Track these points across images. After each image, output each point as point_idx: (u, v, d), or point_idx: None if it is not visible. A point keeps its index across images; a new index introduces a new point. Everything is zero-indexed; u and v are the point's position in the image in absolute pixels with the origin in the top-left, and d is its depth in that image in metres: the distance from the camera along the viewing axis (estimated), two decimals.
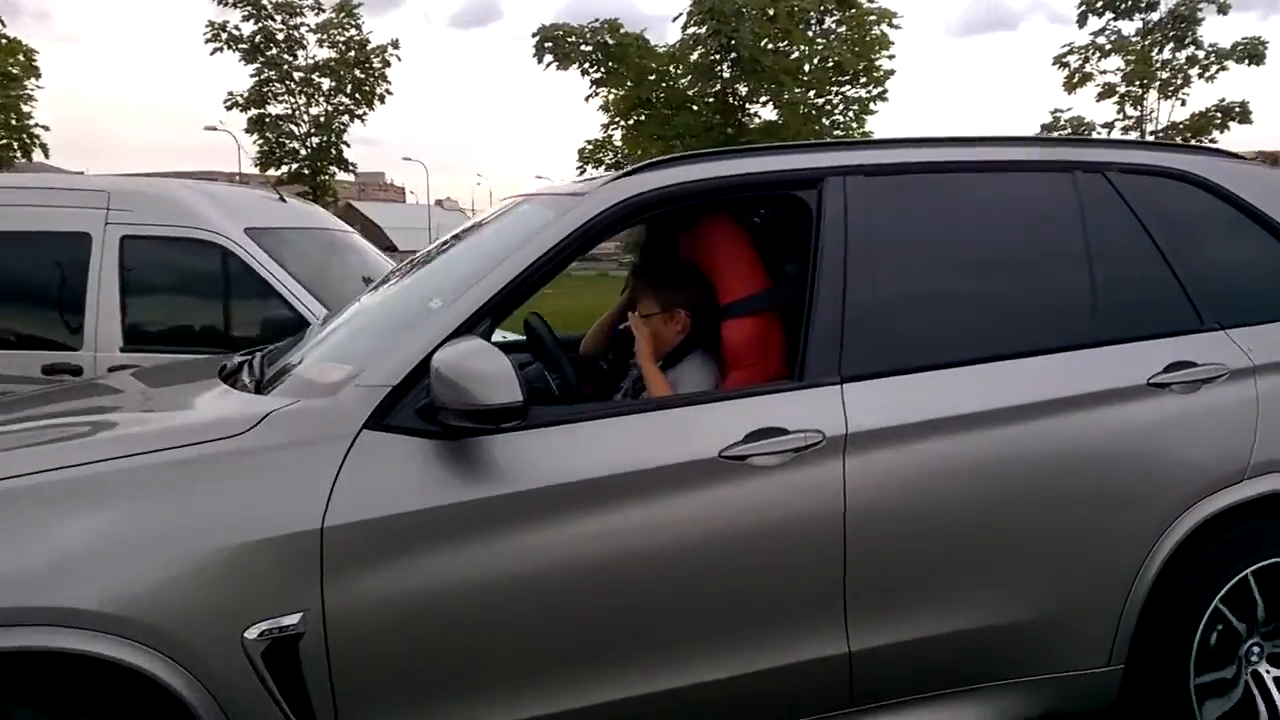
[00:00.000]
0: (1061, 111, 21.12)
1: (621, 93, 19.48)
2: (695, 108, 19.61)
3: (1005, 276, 2.66)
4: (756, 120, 19.82)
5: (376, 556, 2.06)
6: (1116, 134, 20.68)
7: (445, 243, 3.15)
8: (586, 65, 19.03)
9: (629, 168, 2.53)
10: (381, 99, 22.60)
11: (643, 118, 19.64)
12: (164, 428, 2.36)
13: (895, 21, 19.53)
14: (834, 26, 19.88)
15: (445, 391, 2.07)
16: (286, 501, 2.05)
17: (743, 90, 19.65)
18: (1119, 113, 21.10)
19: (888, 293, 2.52)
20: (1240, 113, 20.11)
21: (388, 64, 22.59)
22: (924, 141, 2.74)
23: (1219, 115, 20.20)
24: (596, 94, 19.73)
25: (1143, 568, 2.51)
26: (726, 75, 19.31)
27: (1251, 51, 19.98)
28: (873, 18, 19.57)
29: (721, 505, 2.27)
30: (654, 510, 2.23)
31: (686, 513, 2.25)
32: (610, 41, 18.82)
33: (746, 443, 2.29)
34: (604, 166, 20.16)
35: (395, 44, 22.55)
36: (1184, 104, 20.90)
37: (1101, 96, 20.96)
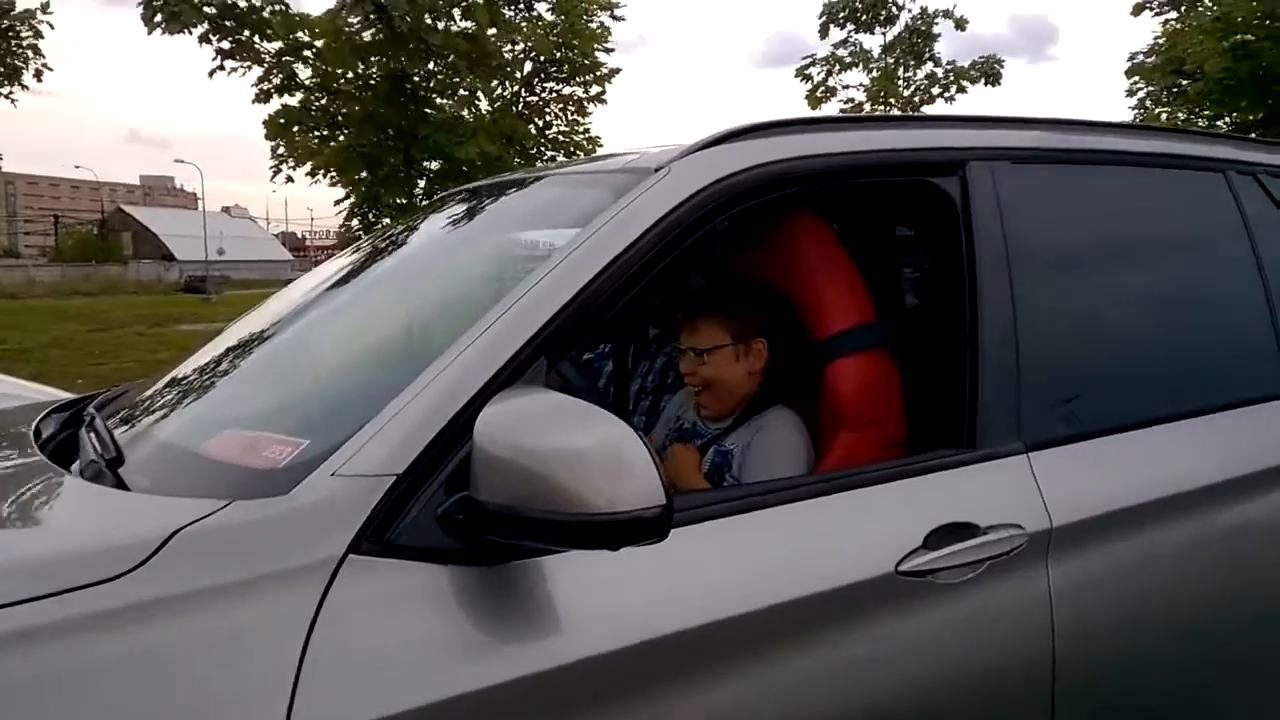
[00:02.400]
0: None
1: (258, 70, 16.13)
2: (355, 92, 16.62)
3: (1187, 304, 2.02)
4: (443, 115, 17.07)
5: None
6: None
7: (384, 242, 2.21)
8: (209, 30, 15.15)
9: (708, 137, 1.71)
10: (38, 75, 19.05)
11: (293, 101, 16.55)
12: None
13: (618, 14, 17.89)
14: (544, 13, 17.72)
15: (507, 486, 1.19)
16: (215, 711, 1.10)
17: (415, 75, 16.73)
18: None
19: (1063, 325, 1.82)
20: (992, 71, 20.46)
21: (39, 34, 18.96)
22: (1063, 124, 2.07)
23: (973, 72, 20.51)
24: (224, 69, 15.83)
25: None
26: (384, 55, 16.23)
27: (988, 70, 20.86)
28: (592, 6, 17.54)
29: (895, 642, 1.49)
30: (807, 659, 1.42)
31: (848, 657, 1.46)
32: (240, 2, 15.12)
33: (930, 549, 1.52)
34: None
35: (45, 7, 18.61)
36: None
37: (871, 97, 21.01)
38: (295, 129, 16.84)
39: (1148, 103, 19.30)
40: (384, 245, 2.21)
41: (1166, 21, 18.69)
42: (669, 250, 1.53)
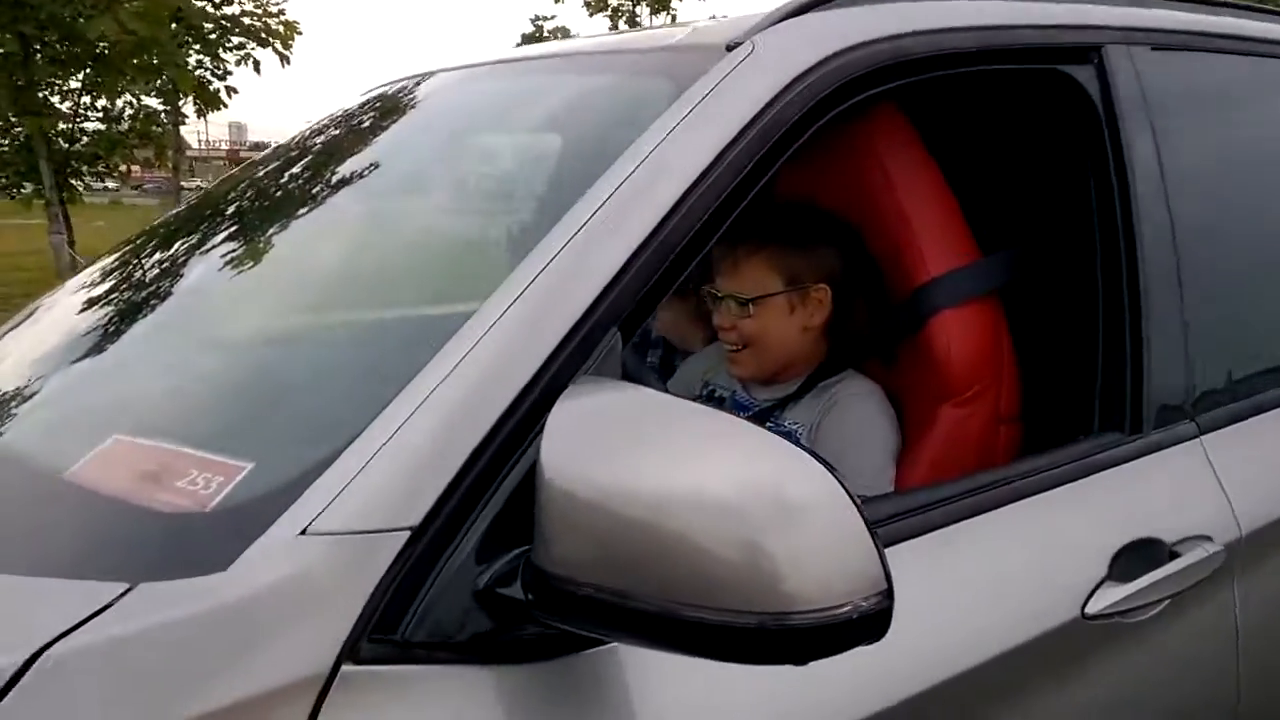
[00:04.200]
0: (544, 19, 19.03)
1: None
2: None
3: None
4: None
5: None
6: None
7: (320, 149, 1.63)
8: None
9: (790, 3, 1.21)
10: None
11: None
12: None
13: None
14: None
15: (602, 553, 0.73)
16: None
17: None
18: (612, 28, 18.75)
19: (1228, 265, 1.43)
20: None
21: None
22: (1200, 3, 1.64)
23: None
24: None
25: None
26: None
27: None
28: None
29: (1077, 709, 1.10)
30: None
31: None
32: None
33: (1118, 580, 1.12)
34: None
35: None
36: (674, 21, 20.51)
37: (593, 10, 19.07)
38: None
39: None
40: (320, 154, 1.63)
41: None
42: (770, 162, 1.05)
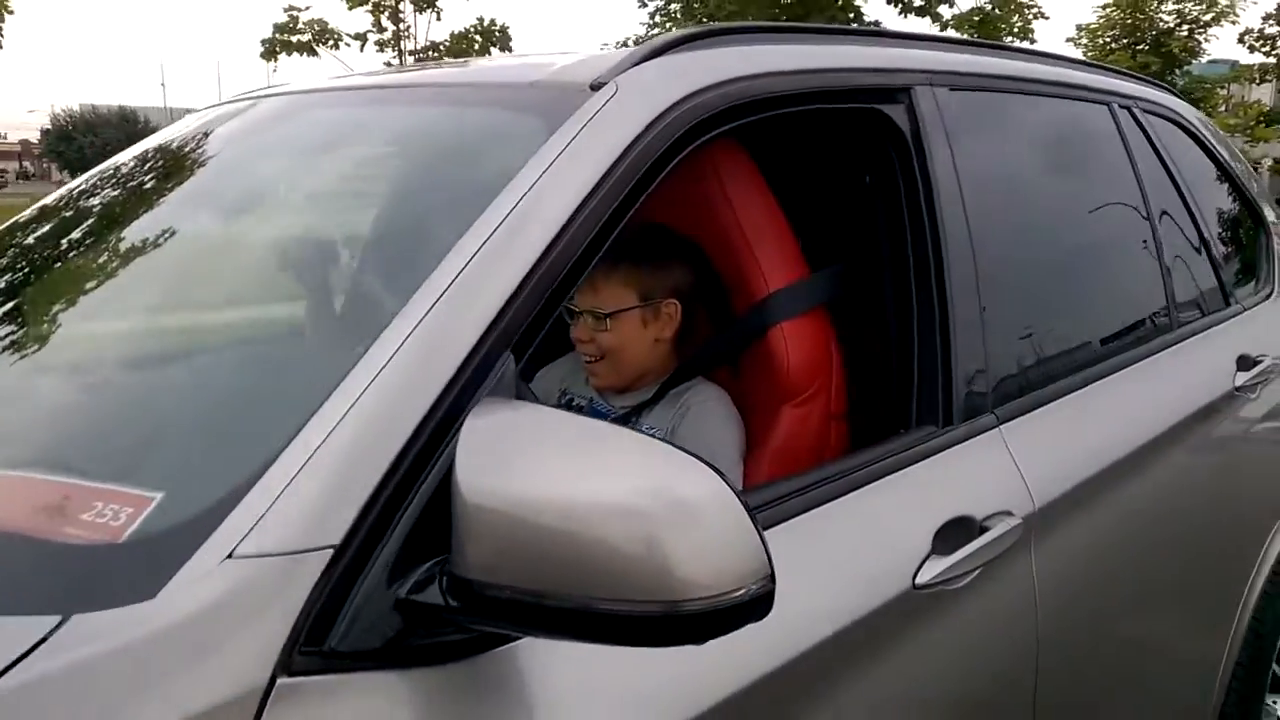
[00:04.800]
0: (299, 10, 16.06)
1: None
2: None
3: (1104, 243, 1.93)
4: None
5: None
6: (371, 49, 16.47)
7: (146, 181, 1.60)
8: None
9: (647, 47, 1.32)
10: None
11: None
12: None
13: None
14: None
15: (516, 558, 0.81)
16: None
17: None
18: (374, 24, 16.54)
19: (1013, 275, 1.65)
20: (501, 36, 17.18)
21: None
22: (988, 47, 1.88)
23: (479, 37, 17.08)
24: None
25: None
26: None
27: None
28: None
29: (910, 664, 1.27)
30: (836, 700, 1.16)
31: (871, 690, 1.21)
32: None
33: (941, 554, 1.30)
34: None
35: None
36: (439, 18, 18.77)
37: (352, 4, 16.41)
38: None
39: None
40: (172, 173, 1.60)
41: None
42: (636, 194, 1.16)
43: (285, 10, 15.57)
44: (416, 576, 0.86)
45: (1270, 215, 2.53)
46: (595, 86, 1.22)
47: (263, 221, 1.42)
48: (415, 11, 16.40)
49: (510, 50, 16.74)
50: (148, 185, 1.60)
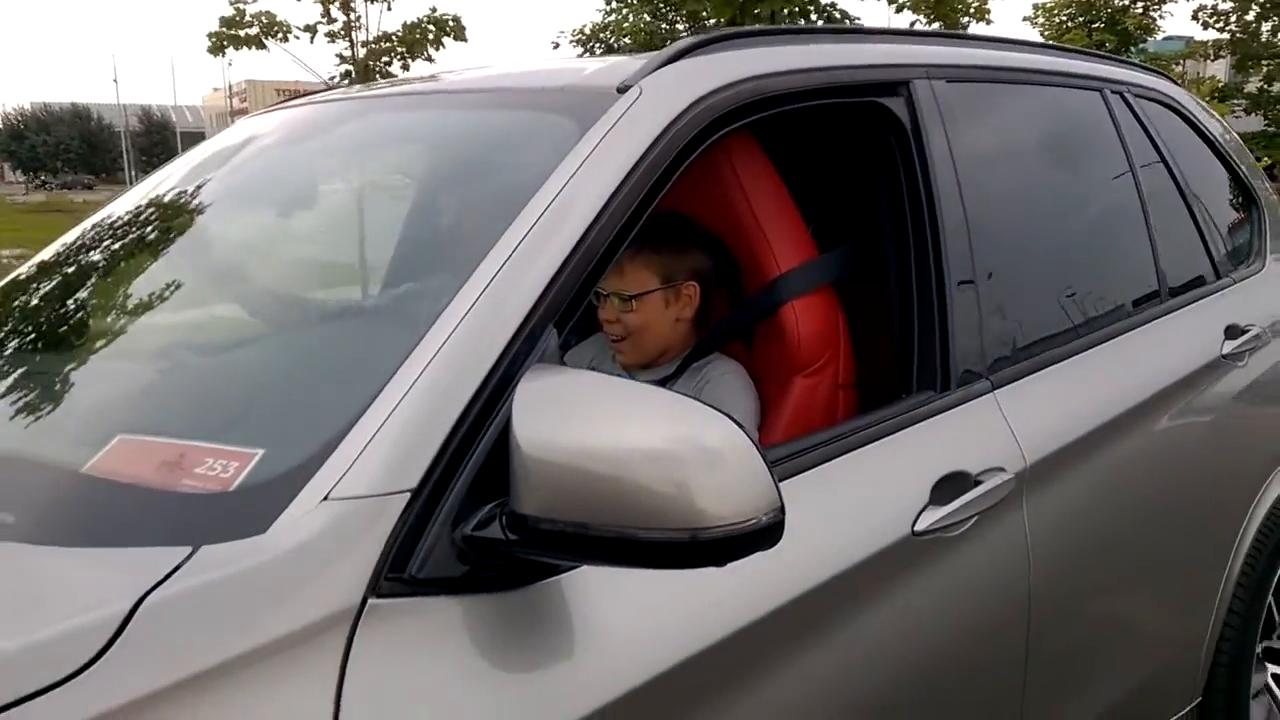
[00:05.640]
0: (244, 4, 15.53)
1: None
2: None
3: (1094, 221, 2.06)
4: None
5: None
6: (322, 40, 16.20)
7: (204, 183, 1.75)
8: None
9: (671, 50, 1.47)
10: None
11: None
12: None
13: None
14: None
15: (568, 498, 0.96)
16: None
17: None
18: (324, 15, 16.03)
19: (1007, 251, 1.78)
20: (455, 27, 16.79)
21: None
22: (985, 40, 2.01)
23: (433, 27, 16.72)
24: None
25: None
26: None
27: None
28: None
29: (912, 605, 1.42)
30: (837, 638, 1.31)
31: (874, 629, 1.36)
32: None
33: (938, 504, 1.44)
34: None
35: None
36: (390, 9, 18.45)
37: None
38: None
39: None
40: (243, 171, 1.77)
41: None
42: (660, 185, 1.30)
43: (231, 3, 15.29)
44: (480, 516, 1.02)
45: (1262, 190, 2.64)
46: (622, 89, 1.37)
47: (336, 214, 1.58)
48: (366, 2, 16.22)
49: (464, 40, 16.70)
50: (230, 183, 1.76)
